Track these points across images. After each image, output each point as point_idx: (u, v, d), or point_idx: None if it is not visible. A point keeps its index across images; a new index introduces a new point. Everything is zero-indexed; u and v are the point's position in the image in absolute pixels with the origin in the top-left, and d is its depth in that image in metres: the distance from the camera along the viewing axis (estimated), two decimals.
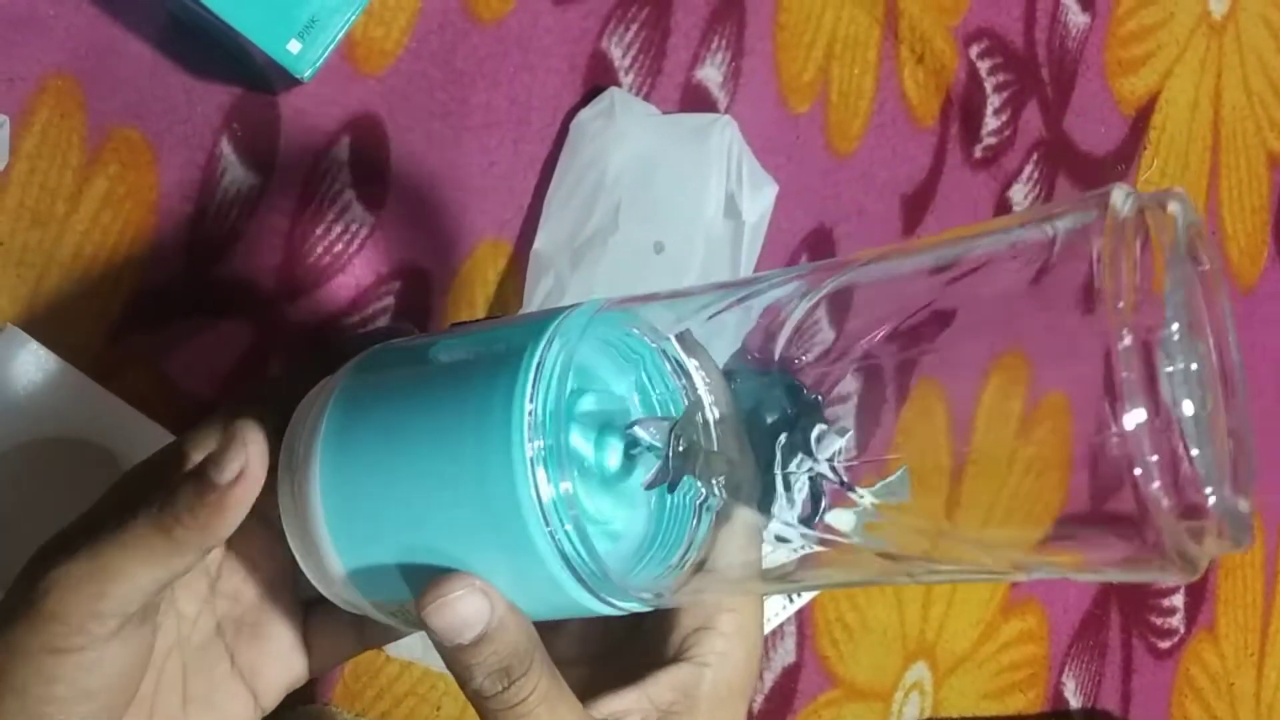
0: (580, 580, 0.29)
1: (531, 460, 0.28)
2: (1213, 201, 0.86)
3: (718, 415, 0.31)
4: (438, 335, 0.34)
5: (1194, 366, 0.24)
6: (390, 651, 0.54)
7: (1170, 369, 0.23)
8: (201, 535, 0.30)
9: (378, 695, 0.55)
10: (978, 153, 0.74)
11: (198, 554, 0.30)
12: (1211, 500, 0.23)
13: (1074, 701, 0.78)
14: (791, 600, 0.62)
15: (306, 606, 0.37)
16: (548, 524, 0.28)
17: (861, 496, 0.30)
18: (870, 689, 0.70)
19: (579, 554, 0.29)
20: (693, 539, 0.32)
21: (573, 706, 0.32)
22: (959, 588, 0.74)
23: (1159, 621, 0.83)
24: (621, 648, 0.37)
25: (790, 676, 0.67)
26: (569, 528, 0.28)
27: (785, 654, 0.67)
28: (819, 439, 0.30)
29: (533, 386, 0.29)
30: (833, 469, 0.30)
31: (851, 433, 0.30)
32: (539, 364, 0.29)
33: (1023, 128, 0.75)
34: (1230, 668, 0.87)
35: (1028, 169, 0.75)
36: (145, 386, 0.50)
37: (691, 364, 0.32)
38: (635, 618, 0.35)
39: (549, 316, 0.31)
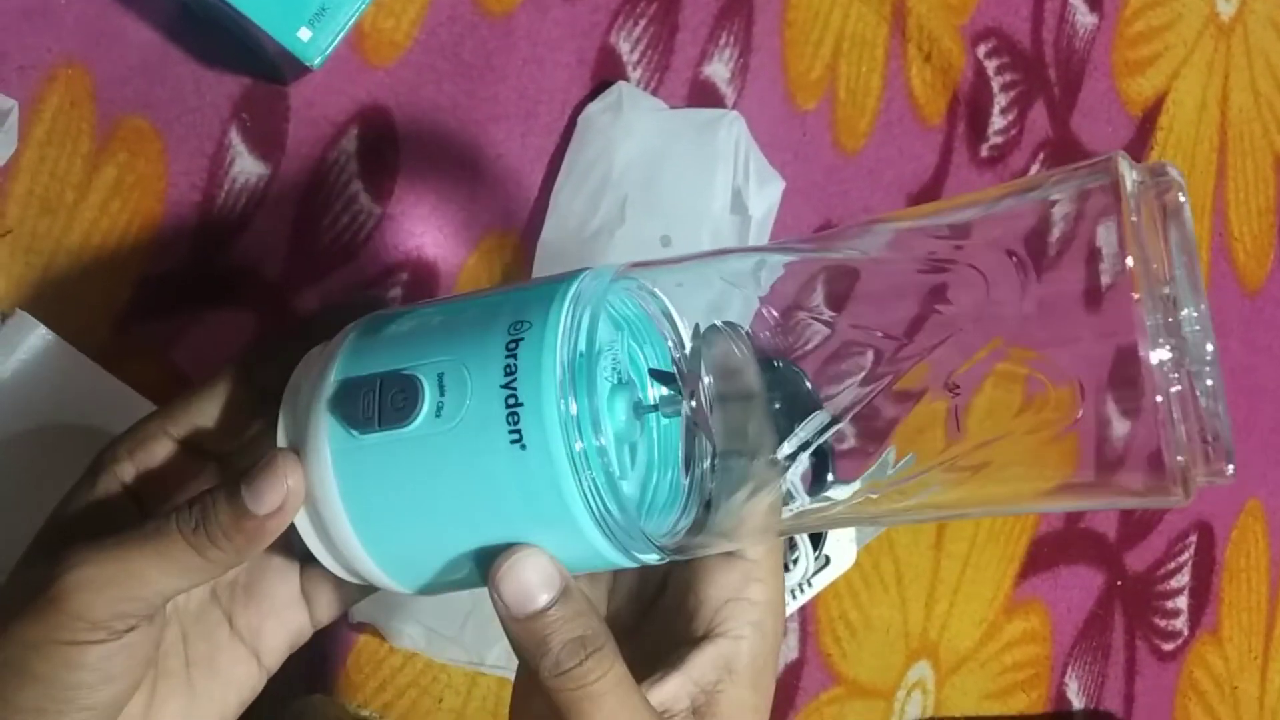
0: (606, 531, 0.29)
1: (564, 414, 0.28)
2: (1219, 203, 0.86)
3: (714, 382, 0.32)
4: (438, 300, 0.33)
5: (1197, 313, 0.26)
6: (395, 642, 0.54)
7: (1182, 314, 0.26)
8: (234, 558, 0.30)
9: (380, 687, 0.55)
10: (984, 152, 0.73)
11: (225, 570, 0.31)
12: (1220, 428, 0.26)
13: (1076, 703, 0.78)
14: (795, 596, 0.61)
15: (303, 559, 0.36)
16: (578, 476, 0.29)
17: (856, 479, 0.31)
18: (873, 687, 0.70)
19: (605, 505, 0.29)
20: (689, 495, 0.33)
21: (643, 697, 0.31)
22: (962, 587, 0.73)
23: (1163, 623, 0.83)
24: (641, 627, 0.36)
25: (793, 673, 0.67)
26: (597, 478, 0.29)
27: (788, 650, 0.66)
28: (813, 416, 0.31)
29: (562, 341, 0.29)
30: (826, 446, 0.31)
31: (843, 411, 0.31)
32: (567, 320, 0.29)
33: (1029, 127, 0.74)
34: (1234, 670, 0.86)
35: (1034, 168, 0.75)
36: (151, 374, 0.50)
37: (686, 329, 0.33)
38: (652, 595, 0.36)
39: (568, 278, 0.31)
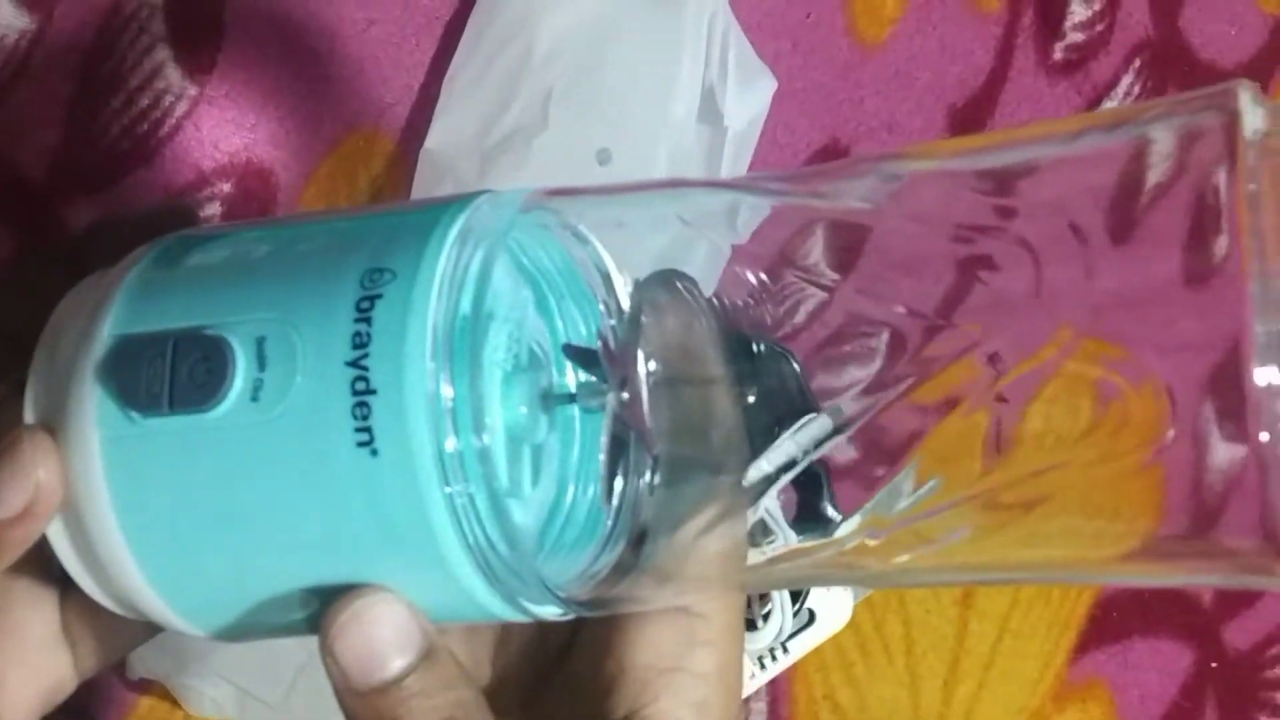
0: (487, 572, 0.27)
1: (435, 404, 0.26)
2: None
3: (660, 364, 0.29)
4: (267, 222, 0.32)
5: None
6: (191, 707, 0.50)
7: None
8: None
9: None
10: (1057, 53, 0.69)
11: None
12: None
13: None
14: (763, 666, 0.55)
15: (64, 584, 0.33)
16: (449, 491, 0.26)
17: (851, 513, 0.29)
18: None
19: (486, 534, 0.27)
20: (614, 524, 0.30)
21: None
22: (996, 662, 0.68)
23: None
24: (540, 699, 0.33)
25: None
26: (475, 494, 0.26)
27: None
28: (802, 423, 0.29)
29: (439, 298, 0.26)
30: (819, 464, 0.29)
31: (849, 417, 0.28)
32: (447, 266, 0.27)
33: (1122, 22, 0.70)
34: None
35: (1126, 80, 0.70)
36: None
37: (627, 289, 0.31)
38: (556, 654, 0.34)
39: (455, 203, 0.29)
